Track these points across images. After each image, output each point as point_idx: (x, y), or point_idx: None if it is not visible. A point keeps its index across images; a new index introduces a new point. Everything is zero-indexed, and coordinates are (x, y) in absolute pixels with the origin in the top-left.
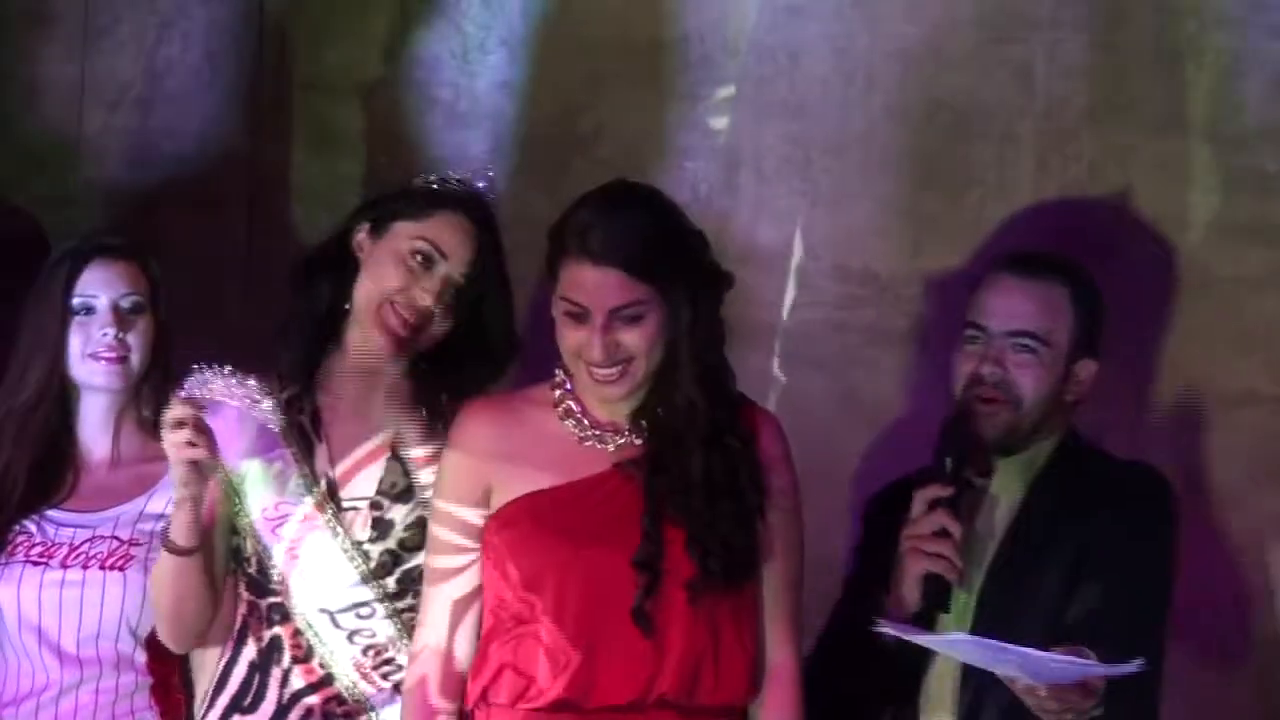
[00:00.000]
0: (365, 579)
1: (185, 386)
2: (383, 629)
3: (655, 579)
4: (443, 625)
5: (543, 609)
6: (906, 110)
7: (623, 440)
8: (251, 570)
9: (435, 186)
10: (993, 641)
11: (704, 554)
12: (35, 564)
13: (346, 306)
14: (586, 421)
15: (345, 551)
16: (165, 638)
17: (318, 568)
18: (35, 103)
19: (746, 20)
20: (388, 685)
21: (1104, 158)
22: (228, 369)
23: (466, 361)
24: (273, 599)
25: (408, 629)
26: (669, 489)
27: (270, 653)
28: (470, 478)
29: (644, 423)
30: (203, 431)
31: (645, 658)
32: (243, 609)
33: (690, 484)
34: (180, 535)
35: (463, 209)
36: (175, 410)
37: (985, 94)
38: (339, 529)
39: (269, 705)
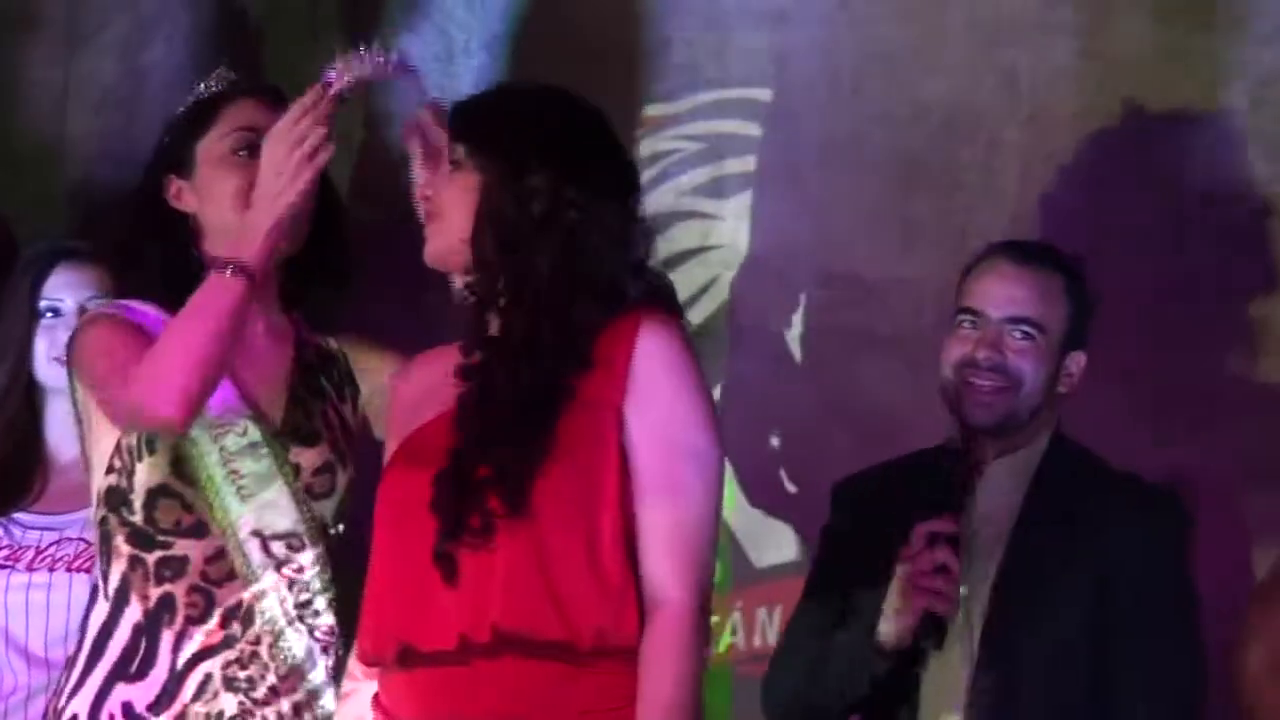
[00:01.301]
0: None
1: (328, 75)
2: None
3: (457, 521)
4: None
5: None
6: (893, 115)
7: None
8: (136, 519)
9: (214, 86)
10: None
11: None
12: (1, 567)
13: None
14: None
15: (285, 476)
16: (172, 395)
17: (257, 489)
18: (19, 106)
19: (732, 24)
20: (304, 630)
21: (1090, 160)
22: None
23: (327, 258)
24: (161, 553)
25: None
26: (477, 410)
27: (159, 613)
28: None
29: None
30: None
31: (459, 594)
32: (122, 566)
33: (493, 404)
34: (261, 258)
35: (256, 94)
36: (320, 107)
37: (972, 99)
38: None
39: (160, 672)
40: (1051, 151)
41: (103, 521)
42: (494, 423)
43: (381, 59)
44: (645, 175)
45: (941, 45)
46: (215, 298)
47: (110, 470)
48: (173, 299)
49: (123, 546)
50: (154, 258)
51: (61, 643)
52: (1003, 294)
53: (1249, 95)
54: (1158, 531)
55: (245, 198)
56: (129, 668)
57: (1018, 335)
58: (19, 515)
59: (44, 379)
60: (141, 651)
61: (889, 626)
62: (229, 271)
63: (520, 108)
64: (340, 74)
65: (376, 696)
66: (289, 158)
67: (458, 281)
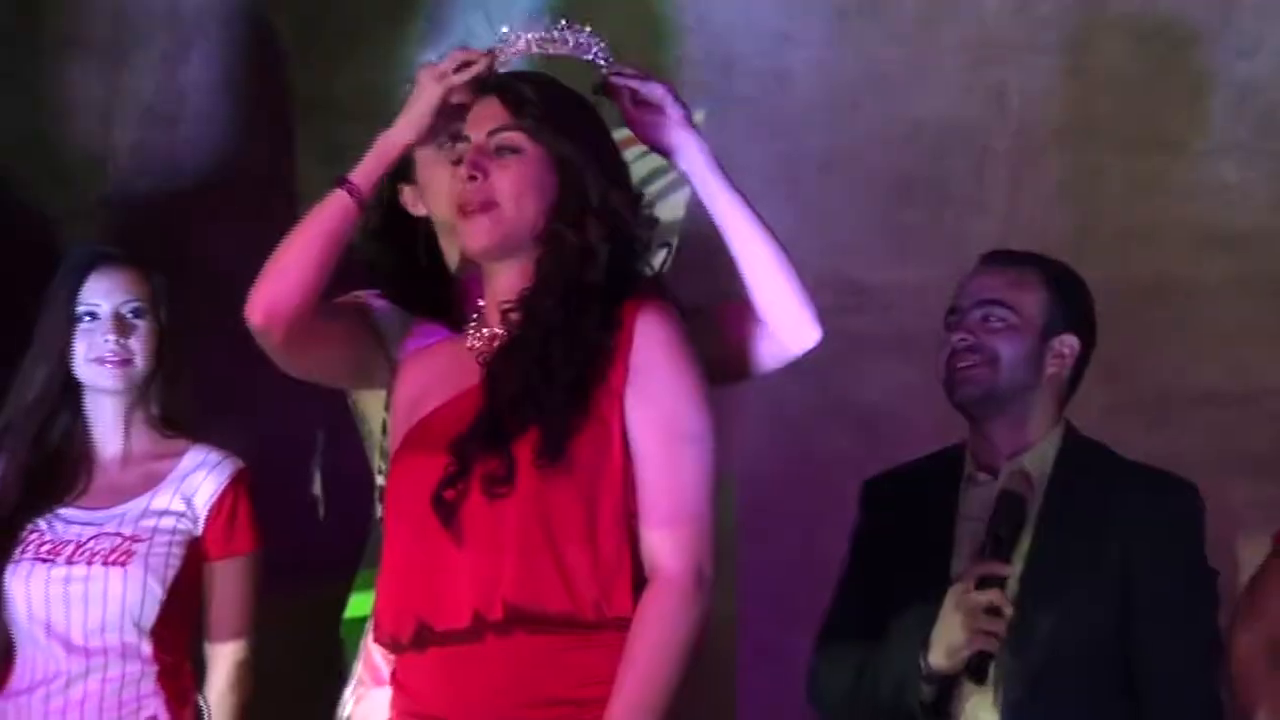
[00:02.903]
0: None
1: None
2: None
3: (463, 468)
4: None
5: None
6: (888, 130)
7: (489, 332)
8: None
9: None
10: None
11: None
12: (43, 560)
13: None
14: (478, 318)
15: None
16: (258, 299)
17: None
18: (67, 120)
19: (738, 45)
20: None
21: (1074, 175)
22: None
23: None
24: None
25: None
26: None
27: None
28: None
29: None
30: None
31: (471, 568)
32: None
33: (525, 373)
34: (363, 176)
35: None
36: (472, 59)
37: (962, 115)
38: None
39: None
40: (1038, 164)
41: (380, 521)
42: (542, 381)
43: (574, 38)
44: (658, 184)
45: (934, 65)
46: (319, 209)
47: (379, 472)
48: (416, 301)
49: None
50: (396, 261)
51: (99, 633)
52: (975, 286)
53: (1227, 109)
54: (1176, 520)
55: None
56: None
57: (991, 319)
58: (62, 510)
59: (84, 379)
60: None
61: (939, 659)
62: (337, 188)
63: (568, 101)
64: (515, 43)
65: (394, 674)
66: (424, 82)
67: (500, 271)
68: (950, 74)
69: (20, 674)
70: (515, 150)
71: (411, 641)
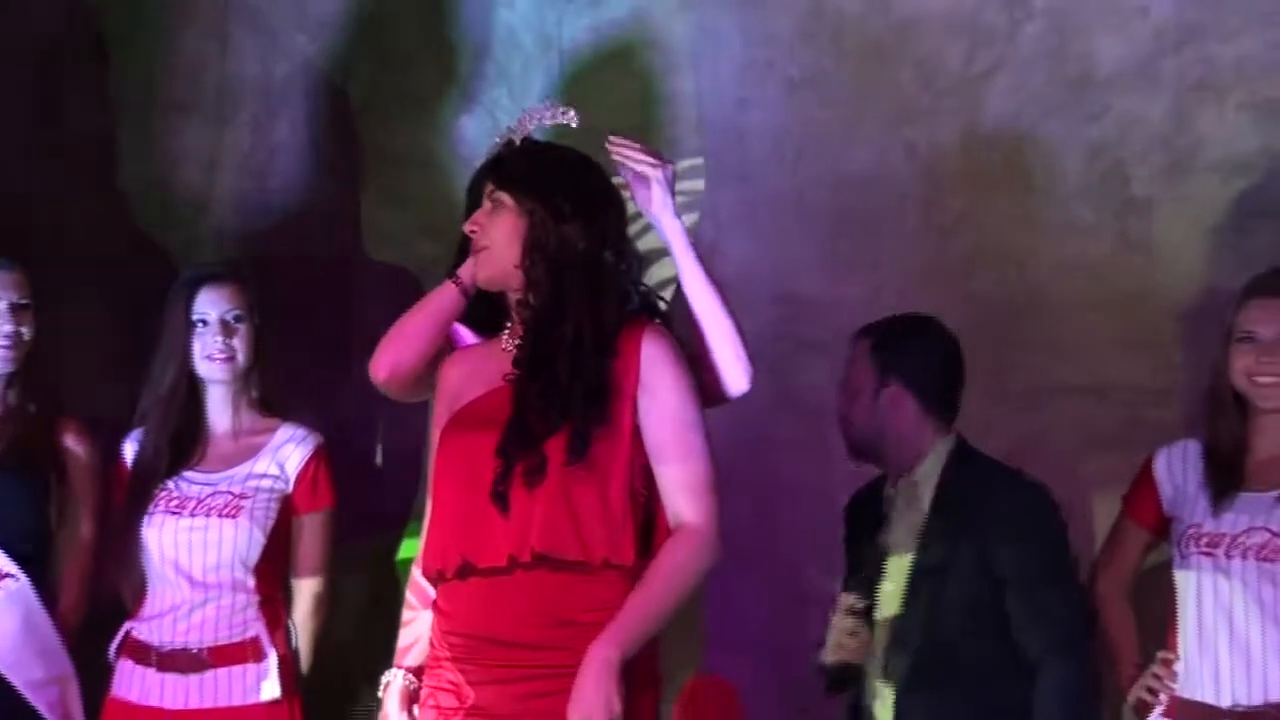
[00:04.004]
0: None
1: (511, 129)
2: None
3: (508, 466)
4: None
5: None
6: (826, 177)
7: (515, 343)
8: None
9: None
10: None
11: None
12: (173, 513)
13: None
14: (510, 326)
15: None
16: (380, 360)
17: None
18: (177, 171)
19: (708, 109)
20: None
21: (969, 211)
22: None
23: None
24: None
25: None
26: (529, 393)
27: None
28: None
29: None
30: None
31: (509, 527)
32: None
33: (554, 382)
34: (466, 273)
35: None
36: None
37: (883, 166)
38: None
39: None
40: (940, 205)
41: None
42: (557, 394)
43: (554, 111)
44: (640, 223)
45: (861, 126)
46: (433, 295)
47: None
48: (486, 321)
49: None
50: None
51: (215, 570)
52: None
53: (1080, 163)
54: (1026, 506)
55: None
56: None
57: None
58: (186, 473)
59: (200, 373)
60: None
61: (823, 658)
62: (448, 280)
63: (551, 162)
64: (521, 126)
65: (435, 602)
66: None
67: (511, 296)
68: (873, 133)
69: (153, 602)
70: (499, 204)
71: (456, 574)
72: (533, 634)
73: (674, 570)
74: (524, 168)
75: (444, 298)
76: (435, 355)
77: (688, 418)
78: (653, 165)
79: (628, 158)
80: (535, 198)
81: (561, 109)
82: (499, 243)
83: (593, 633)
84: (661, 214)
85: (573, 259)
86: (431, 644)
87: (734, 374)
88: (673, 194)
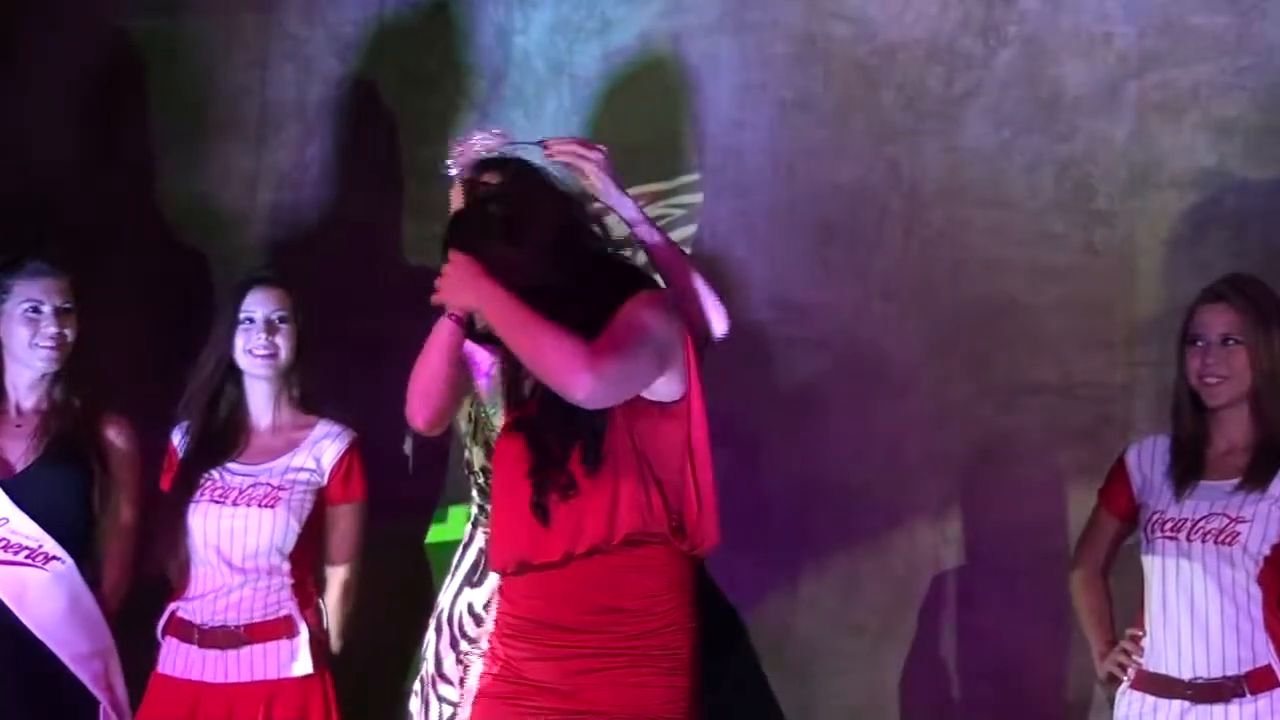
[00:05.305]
0: None
1: (460, 155)
2: None
3: (544, 482)
4: None
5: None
6: (816, 191)
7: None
8: (481, 482)
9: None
10: None
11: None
12: (216, 502)
13: None
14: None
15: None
16: (415, 407)
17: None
18: (222, 185)
19: (707, 129)
20: None
21: (948, 223)
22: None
23: None
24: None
25: None
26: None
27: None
28: None
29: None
30: None
31: (556, 531)
32: (474, 510)
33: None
34: (464, 309)
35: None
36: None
37: (869, 181)
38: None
39: (489, 584)
40: (923, 217)
41: (474, 480)
42: (566, 412)
43: (490, 136)
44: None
45: (848, 144)
46: (436, 335)
47: (464, 447)
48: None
49: (475, 498)
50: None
51: (254, 556)
52: None
53: (1052, 178)
54: None
55: None
56: (474, 576)
57: None
58: (229, 465)
59: (244, 368)
60: (481, 567)
61: None
62: (444, 318)
63: (509, 168)
64: (459, 159)
65: (500, 588)
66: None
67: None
68: (860, 151)
69: (195, 585)
70: (453, 262)
71: (514, 571)
72: (584, 619)
73: (547, 330)
74: (464, 234)
75: (444, 333)
76: (460, 386)
77: (629, 319)
78: (581, 156)
79: (563, 154)
80: (497, 195)
81: (495, 130)
82: (462, 281)
83: (636, 619)
84: (608, 196)
85: (535, 282)
86: (495, 622)
87: (714, 318)
88: (612, 175)
